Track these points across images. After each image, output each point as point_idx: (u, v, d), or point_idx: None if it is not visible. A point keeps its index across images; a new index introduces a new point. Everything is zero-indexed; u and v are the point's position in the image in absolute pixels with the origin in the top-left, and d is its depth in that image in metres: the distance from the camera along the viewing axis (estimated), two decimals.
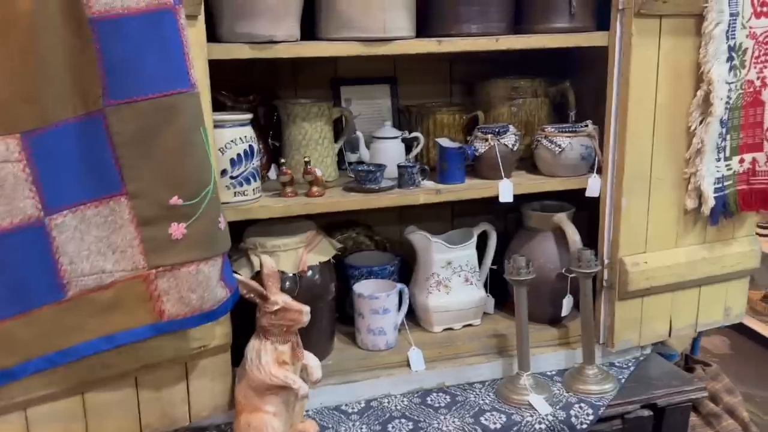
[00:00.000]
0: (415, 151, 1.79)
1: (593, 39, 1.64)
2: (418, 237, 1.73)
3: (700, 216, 1.72)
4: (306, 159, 1.57)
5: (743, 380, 3.00)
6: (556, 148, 1.68)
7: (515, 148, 1.70)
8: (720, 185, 1.69)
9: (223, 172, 1.45)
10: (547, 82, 1.84)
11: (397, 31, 1.49)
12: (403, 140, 1.79)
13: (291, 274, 1.53)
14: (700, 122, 1.64)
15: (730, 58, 1.60)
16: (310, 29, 1.55)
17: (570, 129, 1.70)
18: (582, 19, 1.64)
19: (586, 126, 1.71)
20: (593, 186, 1.70)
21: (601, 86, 1.75)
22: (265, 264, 1.42)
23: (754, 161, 1.71)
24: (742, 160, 1.71)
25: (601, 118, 1.73)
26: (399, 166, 1.65)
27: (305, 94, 1.86)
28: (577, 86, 1.86)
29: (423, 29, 1.60)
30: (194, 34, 1.29)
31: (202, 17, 1.33)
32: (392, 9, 1.47)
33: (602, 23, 1.65)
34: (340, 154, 1.84)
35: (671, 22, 1.57)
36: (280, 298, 1.38)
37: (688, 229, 1.74)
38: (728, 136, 1.67)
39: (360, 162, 1.79)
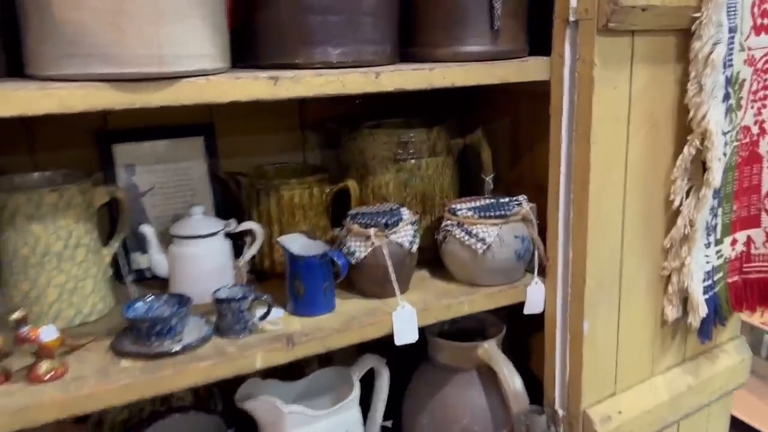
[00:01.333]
0: (249, 253, 1.07)
1: (528, 70, 1.01)
2: (260, 406, 1.01)
3: (680, 325, 1.16)
4: (16, 317, 0.79)
5: None
6: (480, 245, 1.03)
7: (414, 248, 1.03)
8: (710, 282, 1.14)
9: None
10: (446, 131, 1.20)
11: (187, 62, 0.76)
12: (228, 236, 1.06)
13: None
14: (687, 194, 1.08)
15: (726, 96, 1.04)
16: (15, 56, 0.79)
17: (497, 212, 1.06)
18: (510, 37, 1.01)
19: (519, 204, 1.08)
20: (535, 298, 1.08)
21: (521, 133, 1.18)
22: None
23: (749, 242, 1.18)
24: (734, 242, 1.17)
25: (518, 181, 1.14)
26: (217, 301, 0.92)
27: (52, 159, 1.07)
28: (485, 132, 1.24)
29: (245, 54, 0.89)
30: None
31: None
32: (174, 20, 0.74)
33: (538, 42, 1.04)
34: (122, 259, 1.08)
35: (647, 41, 0.99)
36: None
37: (666, 346, 1.18)
38: (719, 210, 1.12)
39: (146, 273, 1.04)
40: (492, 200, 1.10)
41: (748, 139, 1.12)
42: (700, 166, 1.06)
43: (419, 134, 1.15)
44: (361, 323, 0.96)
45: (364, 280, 1.03)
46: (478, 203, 1.09)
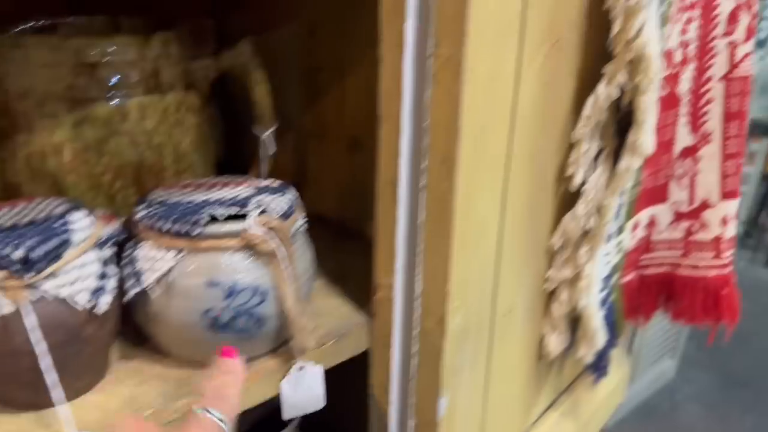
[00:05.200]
0: None
1: None
2: None
3: (566, 357, 0.78)
4: None
5: None
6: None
7: (101, 303, 0.48)
8: (606, 290, 0.76)
9: None
10: (183, 45, 0.63)
11: None
12: None
13: None
14: (595, 162, 0.65)
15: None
16: None
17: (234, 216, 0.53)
18: None
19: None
20: (300, 394, 0.59)
21: (322, 49, 0.67)
22: None
23: (651, 223, 0.81)
24: (636, 226, 0.79)
25: (319, 133, 0.65)
26: None
27: None
28: (259, 47, 0.70)
29: None
30: None
31: None
32: None
33: None
34: None
35: None
36: None
37: (541, 385, 0.79)
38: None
39: None
40: (251, 190, 0.57)
41: (669, 71, 0.72)
42: (613, 118, 0.64)
43: (125, 49, 0.58)
44: None
45: None
46: (214, 193, 0.56)
